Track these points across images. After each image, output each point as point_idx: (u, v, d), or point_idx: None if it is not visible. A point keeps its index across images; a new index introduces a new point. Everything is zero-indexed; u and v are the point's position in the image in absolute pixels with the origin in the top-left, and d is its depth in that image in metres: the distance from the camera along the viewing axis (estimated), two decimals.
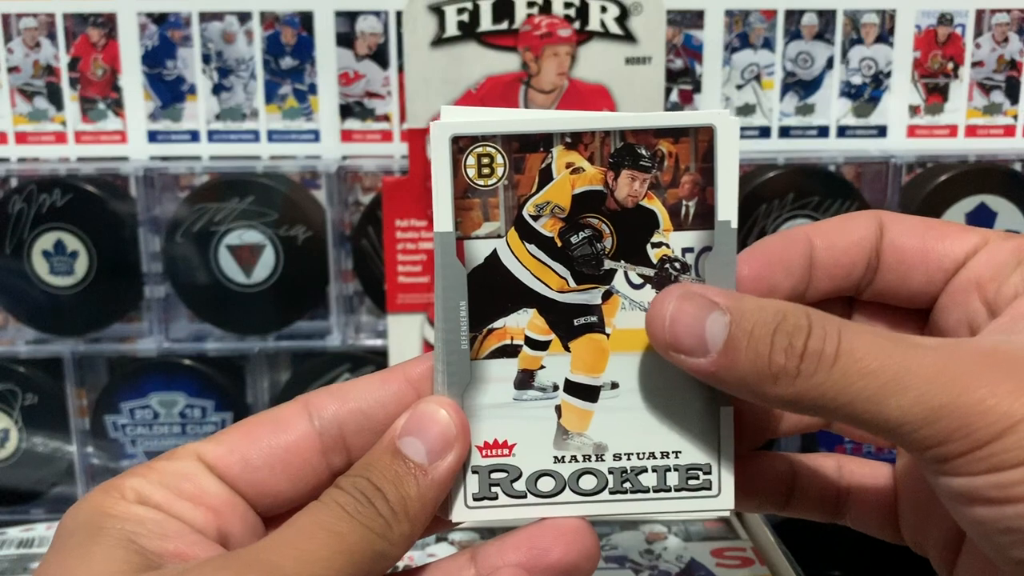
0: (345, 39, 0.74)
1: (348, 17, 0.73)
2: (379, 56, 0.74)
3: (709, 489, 0.33)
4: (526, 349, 0.32)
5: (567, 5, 0.62)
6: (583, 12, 0.62)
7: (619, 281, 0.32)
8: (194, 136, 0.75)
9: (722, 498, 0.33)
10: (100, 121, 0.75)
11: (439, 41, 0.62)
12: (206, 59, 0.74)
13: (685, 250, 0.32)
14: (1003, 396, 0.27)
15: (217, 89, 0.75)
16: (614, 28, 0.62)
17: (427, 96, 0.63)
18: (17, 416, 0.75)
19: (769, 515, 0.58)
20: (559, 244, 0.32)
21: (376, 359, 0.73)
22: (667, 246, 0.32)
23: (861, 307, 0.36)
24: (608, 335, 0.32)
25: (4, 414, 0.75)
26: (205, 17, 0.73)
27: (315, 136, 0.75)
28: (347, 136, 0.75)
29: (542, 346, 0.33)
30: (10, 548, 0.60)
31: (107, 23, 0.73)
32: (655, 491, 0.33)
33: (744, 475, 0.35)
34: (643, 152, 0.31)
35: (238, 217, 0.72)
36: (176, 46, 0.74)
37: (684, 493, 0.33)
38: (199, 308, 0.74)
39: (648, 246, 0.32)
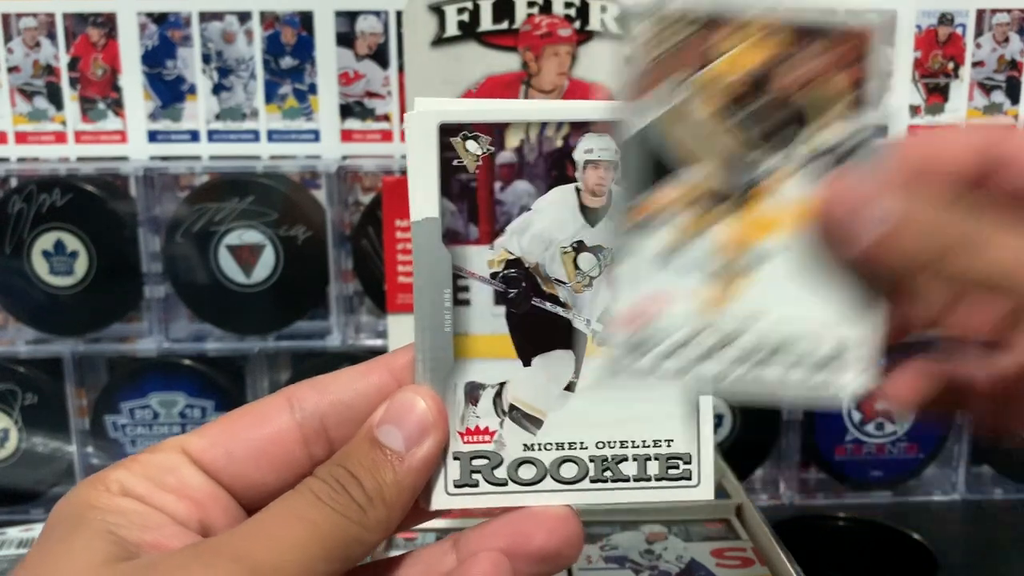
0: (345, 39, 0.74)
1: (348, 17, 0.73)
2: (379, 56, 0.74)
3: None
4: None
5: (567, 5, 0.62)
6: (583, 12, 0.62)
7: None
8: (194, 136, 0.75)
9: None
10: (100, 121, 0.75)
11: (439, 41, 0.62)
12: (206, 59, 0.74)
13: (837, 143, 0.30)
14: None
15: (217, 89, 0.75)
16: (614, 28, 0.62)
17: (427, 96, 0.63)
18: (17, 416, 0.75)
19: (769, 515, 0.58)
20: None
21: None
22: (822, 137, 0.30)
23: None
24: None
25: (4, 414, 0.75)
26: (205, 17, 0.73)
27: (315, 136, 0.75)
28: (347, 136, 0.75)
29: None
30: (10, 548, 0.60)
31: (107, 23, 0.73)
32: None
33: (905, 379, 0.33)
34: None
35: (238, 217, 0.72)
36: (176, 46, 0.74)
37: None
38: (199, 308, 0.74)
39: (801, 136, 0.30)
